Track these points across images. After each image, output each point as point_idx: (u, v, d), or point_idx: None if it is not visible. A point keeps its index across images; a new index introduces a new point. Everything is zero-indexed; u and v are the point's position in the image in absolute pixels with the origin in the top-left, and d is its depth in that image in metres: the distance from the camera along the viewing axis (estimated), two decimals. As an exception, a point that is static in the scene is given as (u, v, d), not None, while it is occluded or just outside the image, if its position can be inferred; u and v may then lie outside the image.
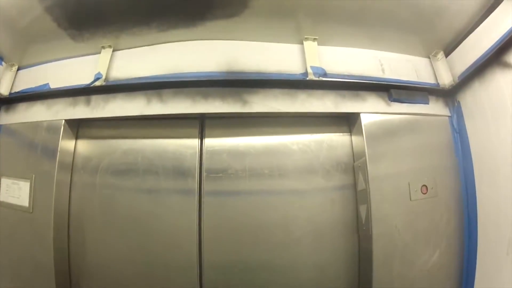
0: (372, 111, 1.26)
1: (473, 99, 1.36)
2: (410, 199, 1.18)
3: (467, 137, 1.38)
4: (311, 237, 1.19)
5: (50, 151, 1.28)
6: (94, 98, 1.34)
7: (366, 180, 1.15)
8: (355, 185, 1.22)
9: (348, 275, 1.20)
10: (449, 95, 1.42)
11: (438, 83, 1.42)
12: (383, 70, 1.35)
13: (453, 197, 1.31)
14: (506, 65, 1.22)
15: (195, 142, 1.26)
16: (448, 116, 1.40)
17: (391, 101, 1.31)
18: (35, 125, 1.36)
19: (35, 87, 1.46)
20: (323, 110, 1.25)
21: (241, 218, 1.17)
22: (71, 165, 1.32)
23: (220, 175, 1.19)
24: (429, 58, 1.45)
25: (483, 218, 1.33)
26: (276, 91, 1.26)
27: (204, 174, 1.20)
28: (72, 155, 1.34)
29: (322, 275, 1.18)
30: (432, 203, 1.23)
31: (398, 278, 1.16)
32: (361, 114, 1.23)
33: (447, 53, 1.44)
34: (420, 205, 1.20)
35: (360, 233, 1.21)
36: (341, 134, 1.31)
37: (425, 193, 1.21)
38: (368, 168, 1.15)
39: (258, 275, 1.15)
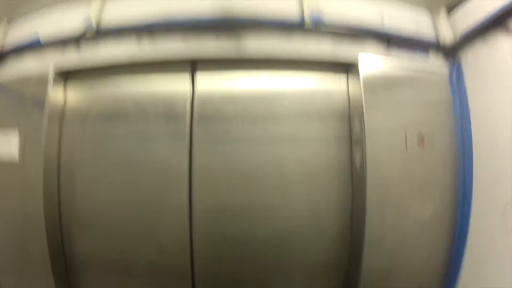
0: (371, 58, 1.21)
1: (474, 60, 1.33)
2: (406, 149, 1.16)
3: (466, 96, 1.35)
4: (304, 182, 1.16)
5: (39, 103, 1.24)
6: (84, 44, 1.29)
7: (362, 127, 1.12)
8: (350, 132, 1.19)
9: (340, 221, 1.18)
10: (449, 53, 1.38)
11: (438, 40, 1.38)
12: (382, 20, 1.30)
13: (449, 152, 1.29)
14: (510, 30, 1.19)
15: (187, 86, 1.21)
16: (448, 74, 1.36)
17: (390, 49, 1.27)
18: (25, 78, 1.32)
19: (26, 43, 1.41)
20: (320, 56, 1.21)
21: (233, 163, 1.14)
22: (61, 115, 1.28)
23: (212, 119, 1.15)
24: (431, 13, 1.40)
25: (479, 177, 1.32)
26: (272, 35, 1.21)
27: (195, 118, 1.15)
28: (61, 104, 1.29)
29: (314, 219, 1.16)
30: (428, 155, 1.21)
31: (390, 228, 1.15)
32: (359, 61, 1.19)
33: (449, 10, 1.40)
34: (415, 156, 1.18)
35: (354, 180, 1.18)
36: (338, 81, 1.26)
37: (422, 145, 1.19)
38: (365, 115, 1.12)
39: (250, 218, 1.13)
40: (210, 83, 1.22)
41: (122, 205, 1.18)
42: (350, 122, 1.19)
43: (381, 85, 1.20)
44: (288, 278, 1.16)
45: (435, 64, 1.36)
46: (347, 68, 1.27)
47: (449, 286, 1.40)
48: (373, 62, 1.22)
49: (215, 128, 1.15)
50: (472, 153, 1.33)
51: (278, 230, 1.13)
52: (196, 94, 1.19)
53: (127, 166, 1.20)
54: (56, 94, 1.29)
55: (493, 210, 1.22)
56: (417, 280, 1.26)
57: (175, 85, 1.23)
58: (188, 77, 1.24)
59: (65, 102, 1.30)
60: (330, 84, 1.25)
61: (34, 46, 1.36)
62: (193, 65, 1.26)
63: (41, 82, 1.27)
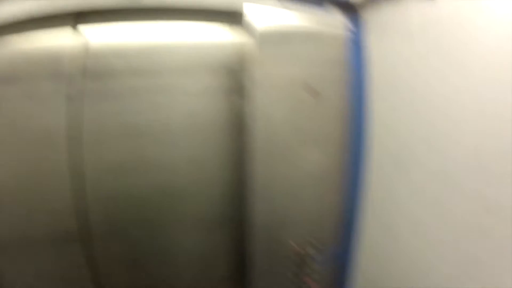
0: (261, 9, 1.17)
1: (378, 18, 1.33)
2: (296, 99, 1.17)
3: (366, 55, 1.37)
4: (191, 135, 1.14)
5: None
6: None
7: (248, 71, 1.10)
8: (239, 84, 1.17)
9: (229, 170, 1.20)
10: (351, 8, 1.37)
11: (339, -6, 1.36)
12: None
13: (342, 105, 1.31)
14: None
15: (73, 40, 1.10)
16: (348, 31, 1.36)
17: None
18: None
19: None
20: (208, 4, 1.16)
21: (121, 119, 1.09)
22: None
23: (99, 75, 1.07)
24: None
25: (376, 132, 1.37)
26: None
27: (82, 75, 1.06)
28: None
29: (201, 170, 1.17)
30: (319, 105, 1.23)
31: (279, 177, 1.18)
32: (247, 11, 1.14)
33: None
34: (305, 102, 1.20)
35: (240, 127, 1.17)
36: (228, 32, 1.22)
37: (312, 95, 1.20)
38: (254, 67, 1.10)
39: (139, 174, 1.11)
40: (96, 36, 1.13)
41: (16, 175, 1.10)
42: (239, 75, 1.17)
43: (272, 38, 1.17)
44: (182, 232, 1.18)
45: (334, 19, 1.35)
46: (237, 18, 1.20)
47: (346, 240, 1.49)
48: (264, 13, 1.18)
49: (102, 84, 1.08)
50: (367, 108, 1.37)
51: (167, 185, 1.13)
52: (82, 48, 1.09)
53: (18, 131, 1.09)
54: None
55: (389, 169, 1.29)
56: (311, 233, 1.32)
57: (60, 40, 1.11)
58: (73, 30, 1.13)
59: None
60: (220, 36, 1.21)
61: None
62: (78, 18, 1.14)
63: None
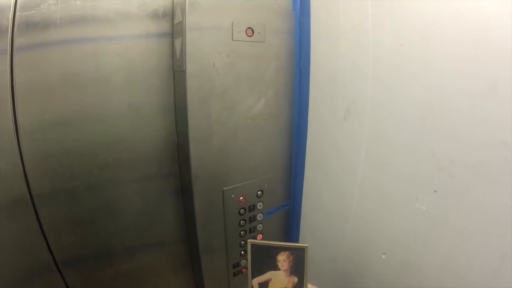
0: None
1: None
2: (232, 39, 1.11)
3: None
4: (125, 81, 1.06)
5: None
6: None
7: (183, 11, 1.01)
8: (172, 28, 1.09)
9: (165, 115, 1.16)
10: None
11: None
12: None
13: (283, 47, 1.29)
14: None
15: None
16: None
17: None
18: None
19: None
20: None
21: (53, 70, 0.96)
22: None
23: (30, 25, 0.90)
24: None
25: (317, 82, 1.36)
26: None
27: (13, 27, 0.88)
28: None
29: (137, 115, 1.10)
30: (258, 47, 1.19)
31: (217, 123, 1.15)
32: None
33: None
34: (243, 47, 1.14)
35: (175, 71, 1.12)
36: None
37: (251, 36, 1.15)
38: (187, 9, 1.00)
39: (75, 122, 1.01)
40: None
41: None
42: (172, 19, 1.09)
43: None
44: (122, 183, 1.13)
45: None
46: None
47: (292, 192, 1.54)
48: None
49: (34, 36, 0.93)
50: (309, 52, 1.35)
51: (104, 134, 1.06)
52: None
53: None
54: None
55: (333, 115, 1.29)
56: (256, 185, 1.33)
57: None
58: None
59: None
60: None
61: None
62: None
63: None
